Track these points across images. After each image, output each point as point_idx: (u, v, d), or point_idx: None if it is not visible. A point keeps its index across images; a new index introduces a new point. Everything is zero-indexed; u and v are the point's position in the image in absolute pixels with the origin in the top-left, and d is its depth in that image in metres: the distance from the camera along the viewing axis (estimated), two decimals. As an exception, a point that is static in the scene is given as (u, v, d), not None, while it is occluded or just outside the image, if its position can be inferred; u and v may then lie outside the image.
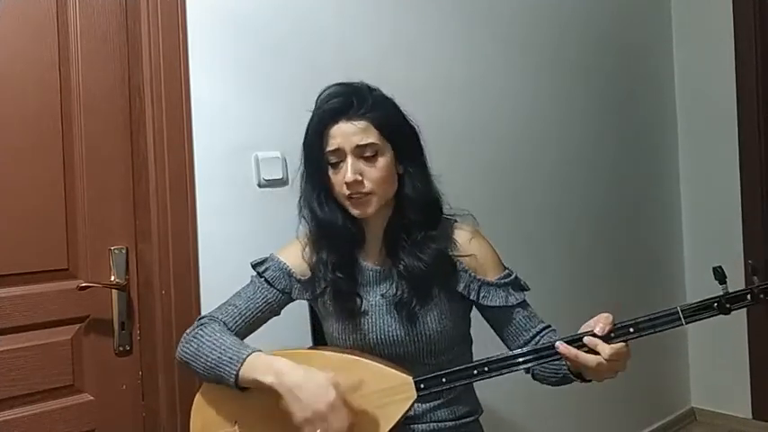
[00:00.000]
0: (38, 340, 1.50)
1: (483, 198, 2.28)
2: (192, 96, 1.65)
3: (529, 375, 1.38)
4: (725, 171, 2.97)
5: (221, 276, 1.64)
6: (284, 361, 1.22)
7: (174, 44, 1.62)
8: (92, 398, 1.57)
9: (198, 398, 1.34)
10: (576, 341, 1.18)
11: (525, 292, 1.40)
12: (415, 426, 1.36)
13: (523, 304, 1.39)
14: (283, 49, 1.82)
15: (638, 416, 2.86)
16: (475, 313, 1.44)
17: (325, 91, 1.35)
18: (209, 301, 1.59)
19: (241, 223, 1.72)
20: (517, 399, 2.18)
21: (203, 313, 1.59)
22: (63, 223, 1.54)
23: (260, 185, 1.76)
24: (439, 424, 1.37)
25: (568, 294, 2.55)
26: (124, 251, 1.61)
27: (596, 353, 1.15)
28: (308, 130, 1.36)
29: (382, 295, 1.36)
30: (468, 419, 1.41)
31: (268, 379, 1.20)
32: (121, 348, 1.61)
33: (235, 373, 1.23)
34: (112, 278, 1.59)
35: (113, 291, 1.59)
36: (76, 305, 1.55)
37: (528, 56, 2.48)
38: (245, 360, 1.23)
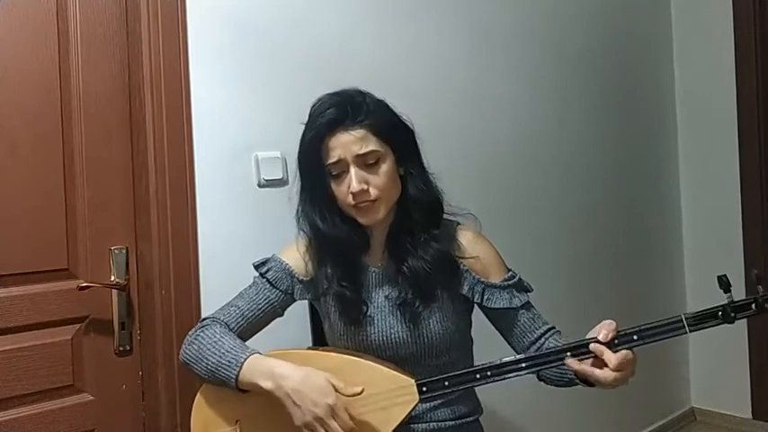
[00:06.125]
0: (38, 340, 1.50)
1: (483, 198, 2.27)
2: (192, 96, 1.65)
3: (531, 376, 1.38)
4: (725, 171, 2.96)
5: (221, 276, 1.64)
6: (283, 364, 1.21)
7: (174, 44, 1.62)
8: (92, 398, 1.57)
9: (198, 397, 1.34)
10: (582, 347, 1.18)
11: (529, 294, 1.40)
12: (416, 425, 1.36)
13: (527, 305, 1.39)
14: (283, 50, 1.82)
15: (638, 416, 2.86)
16: (476, 314, 1.44)
17: (317, 103, 1.33)
18: (210, 301, 1.59)
19: (241, 223, 1.72)
20: (518, 399, 2.18)
21: (203, 313, 1.60)
22: (63, 223, 1.53)
23: (260, 185, 1.76)
24: (439, 423, 1.37)
25: (568, 295, 2.55)
26: (124, 251, 1.61)
27: (603, 361, 1.16)
28: (302, 144, 1.33)
29: (386, 297, 1.36)
30: (468, 419, 1.41)
31: (267, 384, 1.20)
32: (121, 348, 1.61)
33: (234, 376, 1.23)
34: (112, 278, 1.59)
35: (113, 291, 1.59)
36: (76, 305, 1.55)
37: (528, 56, 2.48)
38: (243, 363, 1.23)
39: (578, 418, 2.54)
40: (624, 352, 1.15)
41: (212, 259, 1.67)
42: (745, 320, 2.90)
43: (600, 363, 1.17)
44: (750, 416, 2.95)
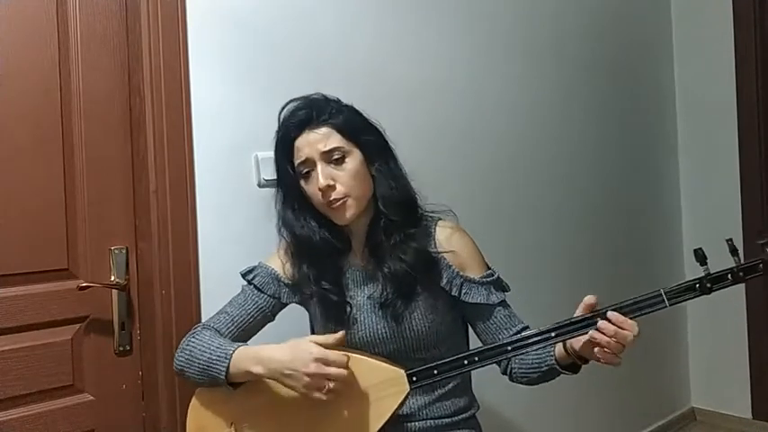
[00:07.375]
0: (38, 340, 1.50)
1: (483, 197, 2.28)
2: (192, 96, 1.65)
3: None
4: (724, 170, 2.97)
5: (221, 276, 1.64)
6: (268, 347, 1.24)
7: (174, 44, 1.62)
8: (92, 398, 1.57)
9: (193, 400, 1.35)
10: (566, 326, 1.21)
11: (506, 293, 1.42)
12: (411, 424, 1.36)
13: (504, 303, 1.40)
14: (283, 49, 1.82)
15: (638, 416, 2.86)
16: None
17: (285, 108, 1.39)
18: (210, 301, 1.59)
19: (241, 223, 1.72)
20: (517, 398, 2.18)
21: (203, 313, 1.61)
22: (63, 223, 1.53)
23: (260, 185, 1.76)
24: (435, 421, 1.37)
25: (568, 294, 2.53)
26: (124, 251, 1.61)
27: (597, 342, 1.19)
28: (275, 148, 1.39)
29: (368, 297, 1.38)
30: (464, 415, 1.41)
31: (257, 369, 1.22)
32: (121, 348, 1.61)
33: (224, 369, 1.24)
34: (112, 278, 1.59)
35: (113, 291, 1.59)
36: (76, 305, 1.55)
37: (528, 56, 2.48)
38: (232, 355, 1.25)
39: (578, 417, 2.54)
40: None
41: (212, 259, 1.67)
42: (745, 321, 2.95)
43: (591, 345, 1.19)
44: (750, 416, 2.96)
